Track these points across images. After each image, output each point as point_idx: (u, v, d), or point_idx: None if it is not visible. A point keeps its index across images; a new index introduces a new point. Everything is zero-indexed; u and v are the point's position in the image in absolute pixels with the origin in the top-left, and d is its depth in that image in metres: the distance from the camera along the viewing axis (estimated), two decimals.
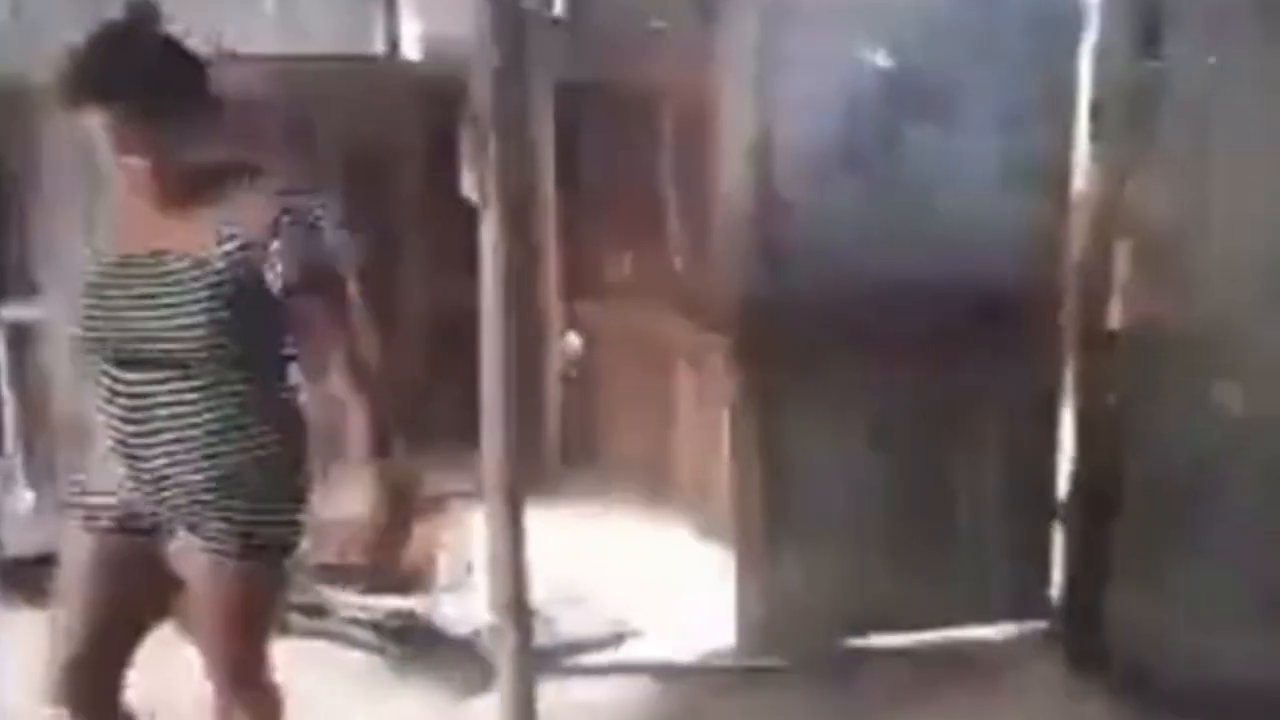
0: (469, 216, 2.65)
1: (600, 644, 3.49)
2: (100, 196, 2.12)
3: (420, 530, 3.92)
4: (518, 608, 2.74)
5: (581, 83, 4.55)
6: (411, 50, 5.18)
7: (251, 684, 2.22)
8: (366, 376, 2.07)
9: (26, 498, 3.99)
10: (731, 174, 3.33)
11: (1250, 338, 2.91)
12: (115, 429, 2.06)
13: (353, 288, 2.09)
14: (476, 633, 3.32)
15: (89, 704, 2.19)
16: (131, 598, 2.16)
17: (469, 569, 3.65)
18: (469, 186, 2.69)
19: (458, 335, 2.94)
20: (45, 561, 2.32)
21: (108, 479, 2.11)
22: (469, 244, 2.66)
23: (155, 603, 2.19)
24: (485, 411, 2.69)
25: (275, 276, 2.01)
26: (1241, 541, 2.92)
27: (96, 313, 2.05)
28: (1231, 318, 2.95)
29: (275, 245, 2.00)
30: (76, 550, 2.15)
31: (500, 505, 2.72)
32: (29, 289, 3.91)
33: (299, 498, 2.17)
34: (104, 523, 2.13)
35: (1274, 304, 2.88)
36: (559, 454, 4.82)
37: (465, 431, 2.88)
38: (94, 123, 1.97)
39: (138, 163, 1.99)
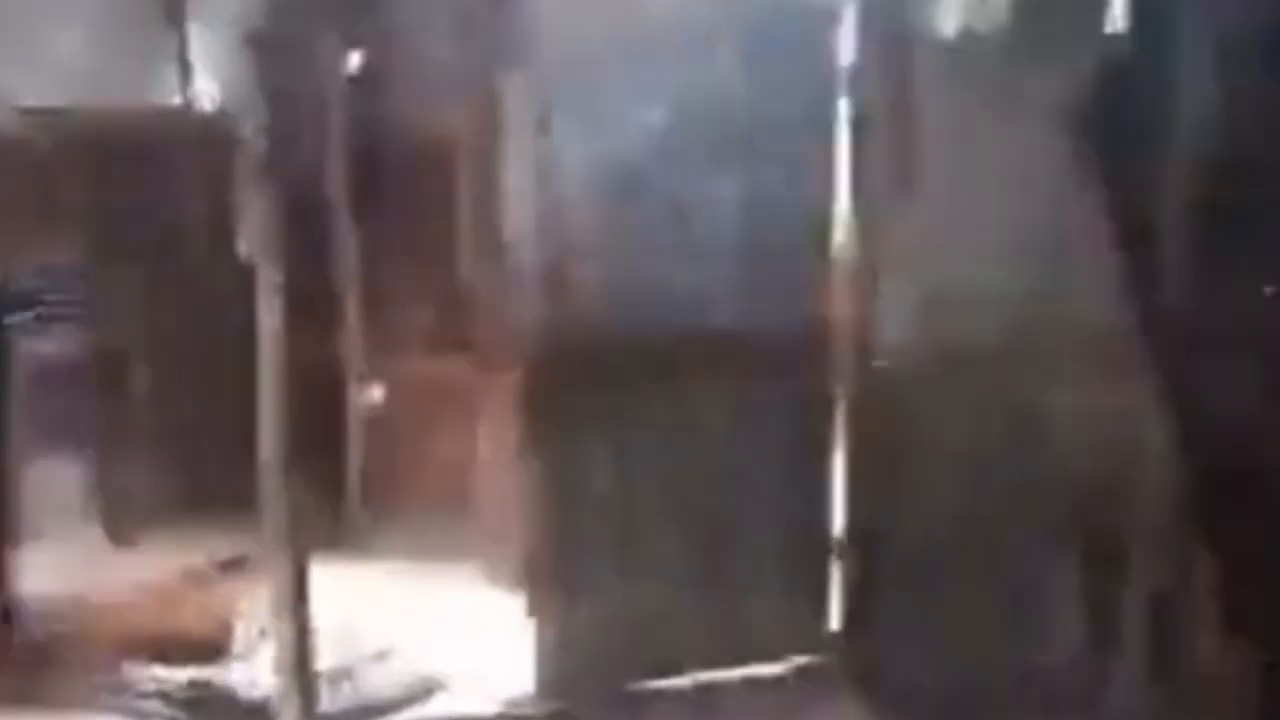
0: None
1: (406, 700, 3.46)
2: None
3: (216, 596, 3.90)
4: (301, 670, 2.71)
5: (379, 137, 4.57)
6: (206, 103, 5.10)
7: None
8: None
9: None
10: (519, 226, 3.40)
11: (1005, 377, 3.13)
12: None
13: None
14: (266, 699, 3.26)
15: None
16: None
17: (262, 633, 3.58)
18: (243, 242, 2.69)
19: None
20: None
21: None
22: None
23: None
24: (262, 470, 2.66)
25: None
26: (996, 569, 3.13)
27: None
28: (989, 357, 3.16)
29: None
30: None
31: (283, 565, 2.69)
32: None
33: None
34: None
35: (1026, 344, 3.10)
36: (361, 507, 4.78)
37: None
38: None
39: None
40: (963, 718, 3.09)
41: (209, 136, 4.38)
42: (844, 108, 3.38)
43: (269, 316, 2.64)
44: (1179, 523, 2.83)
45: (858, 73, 3.35)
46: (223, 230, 3.75)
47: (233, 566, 3.77)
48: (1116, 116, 2.86)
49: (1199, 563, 2.80)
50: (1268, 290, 2.79)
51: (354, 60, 4.65)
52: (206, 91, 4.91)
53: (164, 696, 3.43)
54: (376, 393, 4.81)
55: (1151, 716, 2.90)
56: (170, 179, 4.42)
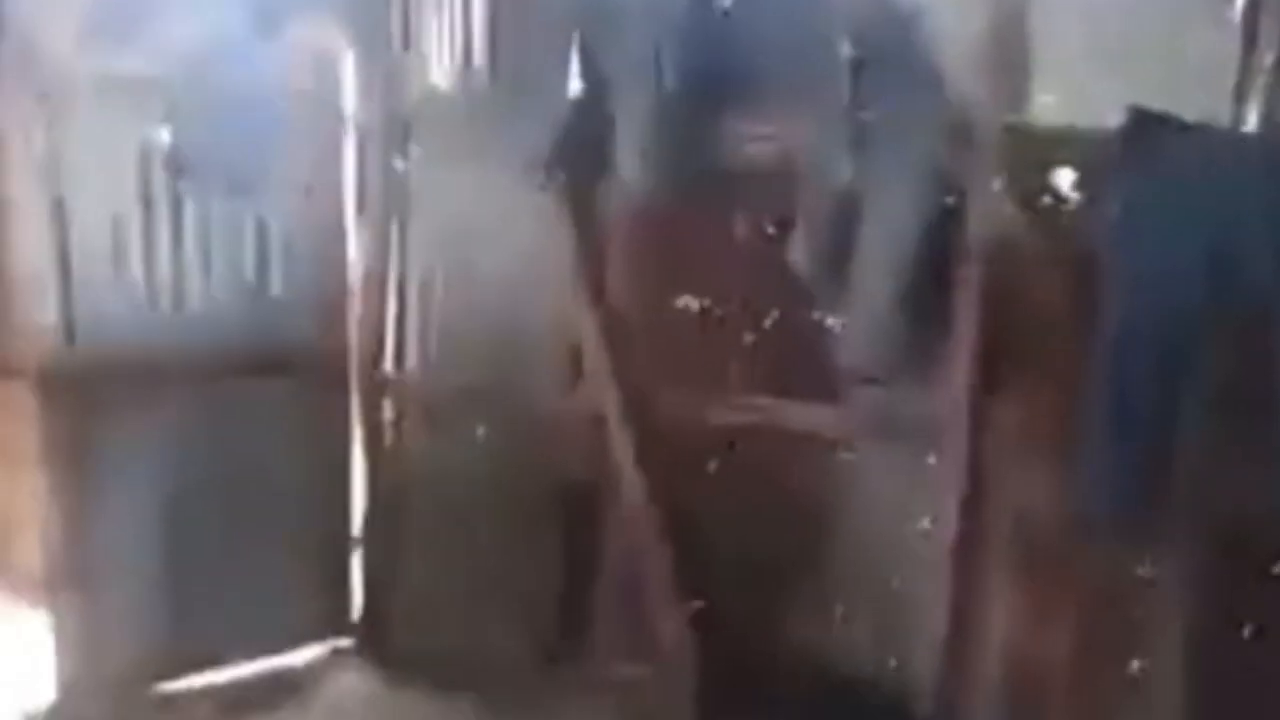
0: None
1: None
2: None
3: None
4: None
5: None
6: None
7: None
8: None
9: None
10: (23, 242, 3.38)
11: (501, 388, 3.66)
12: None
13: None
14: None
15: None
16: None
17: None
18: None
19: None
20: None
21: None
22: None
23: None
24: None
25: None
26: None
27: None
28: (477, 368, 3.67)
29: None
30: None
31: None
32: None
33: None
34: None
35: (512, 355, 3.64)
36: None
37: None
38: None
39: None
40: (462, 678, 3.56)
41: None
42: (351, 145, 3.78)
43: None
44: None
45: (363, 115, 3.78)
46: None
47: None
48: (571, 158, 3.42)
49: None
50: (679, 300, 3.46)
51: None
52: None
53: None
54: None
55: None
56: None
